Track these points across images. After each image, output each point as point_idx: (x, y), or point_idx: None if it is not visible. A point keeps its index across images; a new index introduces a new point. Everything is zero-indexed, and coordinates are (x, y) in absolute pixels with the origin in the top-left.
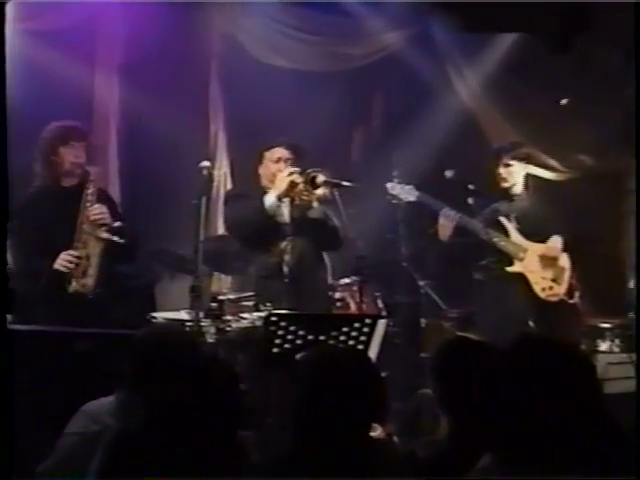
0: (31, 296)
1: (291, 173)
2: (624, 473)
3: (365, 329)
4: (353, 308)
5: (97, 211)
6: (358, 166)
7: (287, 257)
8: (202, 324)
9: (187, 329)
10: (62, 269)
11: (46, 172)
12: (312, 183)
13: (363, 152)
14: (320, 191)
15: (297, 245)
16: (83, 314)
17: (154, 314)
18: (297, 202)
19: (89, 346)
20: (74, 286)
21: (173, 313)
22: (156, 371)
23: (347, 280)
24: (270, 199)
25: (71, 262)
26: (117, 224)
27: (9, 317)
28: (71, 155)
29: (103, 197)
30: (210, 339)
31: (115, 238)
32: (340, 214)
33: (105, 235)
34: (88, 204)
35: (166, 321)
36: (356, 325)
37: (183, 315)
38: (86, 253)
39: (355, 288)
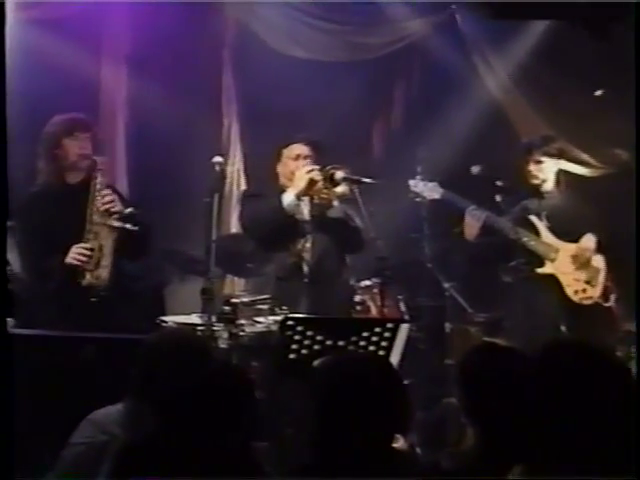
0: (40, 296)
1: (310, 170)
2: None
3: (387, 334)
4: (374, 312)
5: (107, 198)
6: (379, 162)
7: (306, 257)
8: (214, 328)
9: (198, 334)
10: (75, 262)
11: (50, 168)
12: (331, 180)
13: (384, 147)
14: (340, 189)
15: (317, 245)
16: (91, 316)
17: (163, 318)
18: (317, 201)
19: (95, 351)
20: (88, 279)
21: (184, 317)
22: (166, 378)
23: (368, 282)
24: (289, 198)
25: (83, 254)
26: (129, 210)
27: (11, 321)
28: (76, 147)
29: (112, 189)
30: (223, 344)
31: (128, 226)
32: (360, 212)
33: (117, 223)
34: (97, 194)
35: (176, 325)
36: (377, 330)
37: (194, 319)
38: (98, 244)
39: (376, 290)
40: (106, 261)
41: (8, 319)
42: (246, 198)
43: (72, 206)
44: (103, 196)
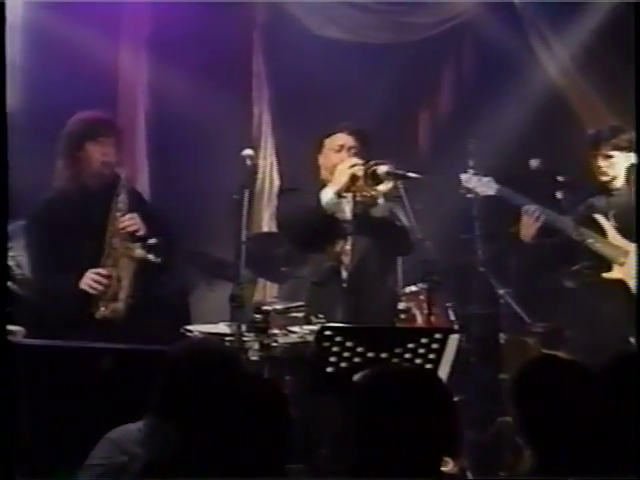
0: (52, 313)
1: (353, 165)
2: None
3: (434, 345)
4: (420, 321)
5: (129, 222)
6: (426, 155)
7: (346, 260)
8: (244, 339)
9: (227, 345)
10: (90, 290)
11: (69, 172)
12: (374, 176)
13: (432, 138)
14: (384, 186)
15: (358, 247)
16: (108, 326)
17: (188, 327)
18: (359, 198)
19: (114, 364)
20: (102, 312)
21: (210, 326)
22: (191, 393)
23: (413, 288)
24: (328, 195)
25: (100, 283)
26: (152, 241)
27: (22, 331)
28: (99, 153)
29: (134, 199)
30: (253, 356)
31: (150, 257)
32: (406, 211)
33: (139, 253)
34: (118, 214)
35: (202, 335)
36: (424, 341)
37: (222, 328)
38: (117, 274)
39: (423, 297)
40: (124, 294)
41: (20, 328)
42: (283, 193)
43: (92, 215)
44: (125, 220)
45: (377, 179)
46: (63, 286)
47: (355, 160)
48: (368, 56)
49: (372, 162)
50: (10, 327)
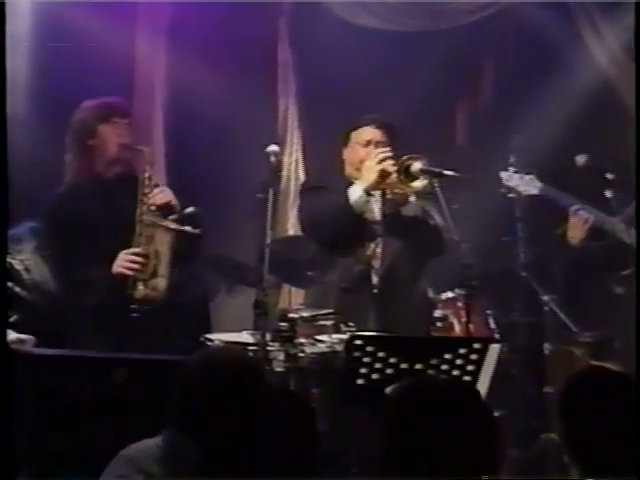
0: (71, 312)
1: (382, 160)
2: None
3: (473, 356)
4: (458, 329)
5: (162, 195)
6: (464, 150)
7: (376, 264)
8: (269, 348)
9: (250, 355)
10: (125, 272)
11: (82, 162)
12: (407, 172)
13: (471, 133)
14: (417, 183)
15: (389, 249)
16: (123, 335)
17: (209, 336)
18: (390, 196)
19: (129, 375)
20: (141, 290)
21: (232, 335)
22: (211, 407)
23: (450, 294)
24: (356, 192)
25: (135, 262)
26: (189, 210)
27: (32, 339)
28: (115, 134)
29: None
30: (278, 367)
31: (187, 228)
32: (442, 211)
33: (175, 225)
34: (147, 189)
35: (224, 344)
36: (462, 351)
37: (245, 337)
38: (154, 249)
39: (460, 304)
40: (164, 269)
41: (29, 337)
42: (306, 191)
43: (111, 205)
44: (156, 193)
45: (410, 176)
46: (94, 275)
47: (385, 154)
48: (402, 45)
49: (405, 157)
50: (19, 336)
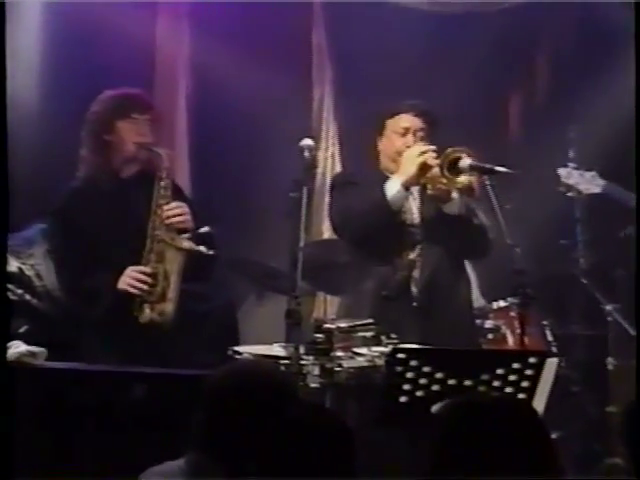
0: (82, 322)
1: (423, 152)
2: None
3: (528, 371)
4: (511, 342)
5: (177, 211)
6: (518, 144)
7: (416, 270)
8: (302, 362)
9: (282, 369)
10: (131, 290)
11: (98, 158)
12: (451, 167)
13: (525, 124)
14: (463, 178)
15: (430, 252)
16: (143, 346)
17: (236, 348)
18: (430, 192)
19: (148, 391)
20: (148, 314)
21: (262, 347)
22: (240, 425)
23: (503, 303)
24: (394, 187)
25: (143, 282)
26: (204, 229)
27: (43, 352)
28: (133, 132)
29: (176, 191)
30: (313, 383)
31: (202, 248)
32: (493, 211)
33: (187, 245)
34: (162, 201)
35: (253, 358)
36: (515, 366)
37: (276, 350)
38: (163, 269)
39: (514, 314)
40: (173, 292)
41: (41, 349)
42: (337, 187)
43: (126, 209)
44: (171, 208)
45: (455, 170)
46: (99, 287)
47: (426, 146)
48: (447, 27)
49: (450, 150)
50: (30, 348)
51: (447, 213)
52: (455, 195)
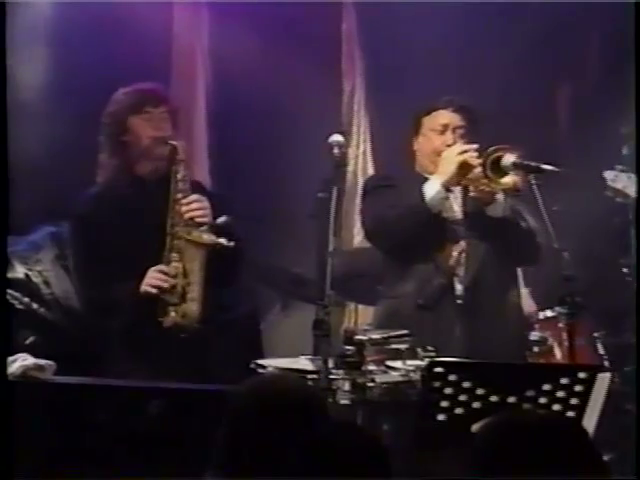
0: (99, 335)
1: (464, 151)
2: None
3: (578, 387)
4: (559, 355)
5: (194, 205)
6: (566, 142)
7: (459, 274)
8: (332, 377)
9: (309, 384)
10: (151, 290)
11: (116, 161)
12: (494, 166)
13: (574, 120)
14: (508, 179)
15: (474, 255)
16: (160, 360)
17: (260, 362)
18: (473, 193)
19: (166, 408)
20: (172, 317)
21: (288, 360)
22: (265, 445)
23: (550, 312)
24: (433, 188)
25: (165, 281)
26: (222, 219)
27: (52, 365)
28: (148, 127)
29: (195, 185)
30: (343, 399)
31: (222, 240)
32: (539, 213)
33: (206, 238)
34: (180, 195)
35: (278, 372)
36: (564, 381)
37: (303, 363)
38: (183, 266)
39: (562, 324)
40: (195, 291)
41: (49, 362)
42: (371, 191)
43: (145, 208)
44: (190, 201)
45: (499, 170)
46: (121, 296)
47: (467, 145)
48: (489, 14)
49: (492, 148)
50: (37, 361)
51: (491, 216)
52: (499, 196)
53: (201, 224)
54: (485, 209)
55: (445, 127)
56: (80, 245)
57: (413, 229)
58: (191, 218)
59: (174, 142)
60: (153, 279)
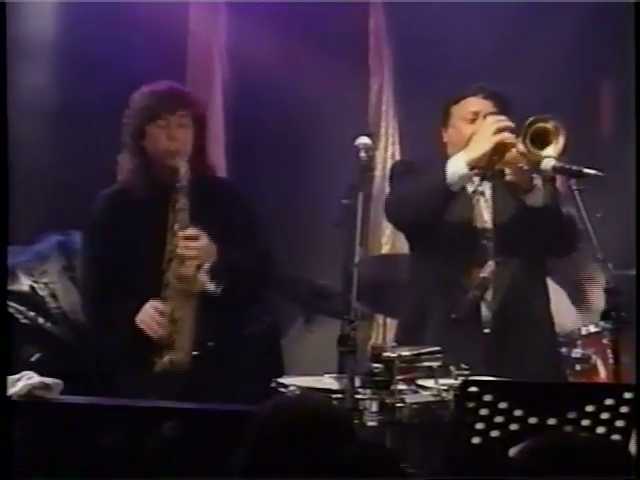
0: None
1: (500, 129)
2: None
3: (623, 409)
4: (603, 374)
5: (190, 243)
6: (610, 143)
7: (488, 292)
8: (358, 396)
9: (334, 404)
10: (146, 330)
11: (135, 164)
12: (536, 138)
13: (619, 119)
14: (550, 149)
15: (506, 267)
16: (176, 379)
17: (282, 380)
18: (509, 177)
19: (180, 430)
20: (163, 362)
21: (312, 379)
22: (288, 469)
23: (593, 327)
24: (456, 164)
25: (159, 324)
26: (208, 264)
27: (59, 384)
28: (163, 137)
29: (202, 212)
30: (371, 421)
31: (210, 286)
32: (582, 221)
33: (199, 285)
34: (177, 226)
35: (301, 391)
36: (608, 402)
37: (328, 382)
38: (170, 309)
39: (606, 341)
40: (183, 341)
41: (56, 381)
42: (396, 176)
43: (159, 216)
44: (185, 237)
45: (540, 140)
46: (119, 315)
47: (503, 123)
48: (527, 10)
49: (531, 118)
50: (43, 379)
51: (531, 205)
52: (538, 182)
53: (197, 266)
54: (524, 198)
55: (476, 115)
56: (90, 251)
57: (432, 211)
58: (184, 256)
59: (180, 162)
60: (148, 318)
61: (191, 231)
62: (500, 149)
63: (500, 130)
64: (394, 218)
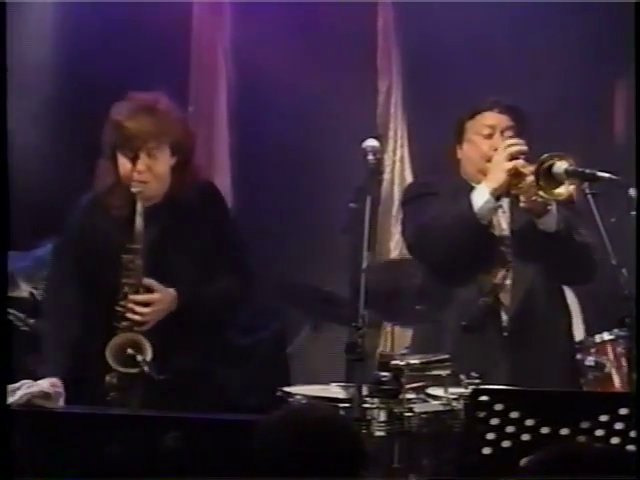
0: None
1: (512, 155)
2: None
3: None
4: (617, 382)
5: (138, 308)
6: (624, 146)
7: (506, 296)
8: (366, 406)
9: (342, 414)
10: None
11: (111, 173)
12: (547, 175)
13: (633, 122)
14: (562, 189)
15: (523, 275)
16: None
17: (287, 389)
18: (523, 204)
19: (183, 440)
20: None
21: (318, 387)
22: (293, 477)
23: (607, 335)
24: (483, 196)
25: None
26: (146, 358)
27: (62, 393)
28: (129, 166)
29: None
30: (379, 430)
31: (146, 368)
32: (595, 225)
33: (138, 367)
34: (127, 288)
35: (308, 401)
36: (623, 412)
37: (335, 391)
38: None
39: (621, 349)
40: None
41: (57, 390)
42: (411, 200)
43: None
44: (133, 301)
45: (552, 180)
46: (90, 348)
47: (515, 145)
48: (540, 12)
49: (546, 155)
50: (44, 388)
51: (543, 230)
52: (552, 207)
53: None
54: (537, 222)
55: (492, 129)
56: (57, 261)
57: (460, 241)
58: (132, 321)
59: (137, 187)
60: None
61: (142, 297)
62: (515, 174)
63: (513, 157)
64: (420, 255)
